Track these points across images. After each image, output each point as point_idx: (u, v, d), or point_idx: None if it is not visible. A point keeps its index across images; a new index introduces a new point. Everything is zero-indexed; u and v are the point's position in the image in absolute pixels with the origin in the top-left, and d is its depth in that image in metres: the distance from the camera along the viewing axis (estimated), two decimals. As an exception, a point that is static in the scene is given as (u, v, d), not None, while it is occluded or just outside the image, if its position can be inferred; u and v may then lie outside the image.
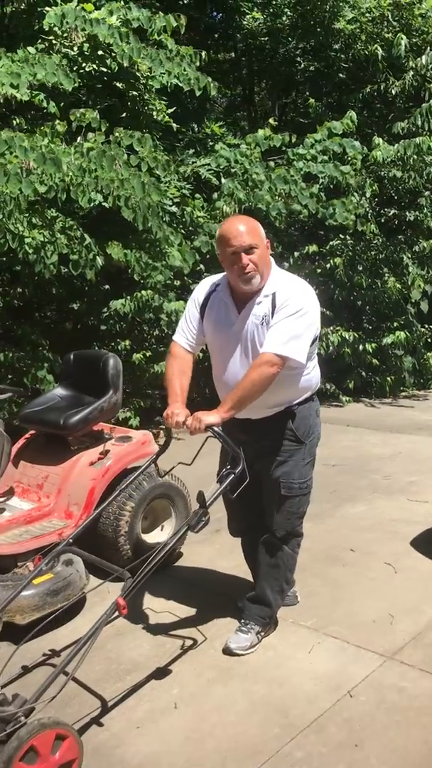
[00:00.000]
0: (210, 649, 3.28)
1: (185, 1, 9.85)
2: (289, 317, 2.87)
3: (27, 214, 5.60)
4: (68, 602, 3.42)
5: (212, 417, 2.83)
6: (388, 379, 9.55)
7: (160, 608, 3.67)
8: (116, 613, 2.60)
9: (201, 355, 3.52)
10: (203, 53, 6.63)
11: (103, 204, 5.95)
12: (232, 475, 2.86)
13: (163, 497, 4.09)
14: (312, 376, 3.11)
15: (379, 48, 8.87)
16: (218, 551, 4.26)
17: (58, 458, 4.03)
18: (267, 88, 13.19)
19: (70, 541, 2.97)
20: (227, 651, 3.21)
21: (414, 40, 9.29)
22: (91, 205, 6.14)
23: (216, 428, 2.90)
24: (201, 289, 3.17)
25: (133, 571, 2.71)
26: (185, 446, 3.11)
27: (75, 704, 2.91)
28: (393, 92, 9.18)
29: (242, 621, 3.30)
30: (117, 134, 5.74)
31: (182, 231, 7.11)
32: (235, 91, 14.34)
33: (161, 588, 3.84)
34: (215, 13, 11.21)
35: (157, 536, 4.11)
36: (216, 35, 11.21)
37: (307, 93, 10.41)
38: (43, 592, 3.34)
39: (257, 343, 2.94)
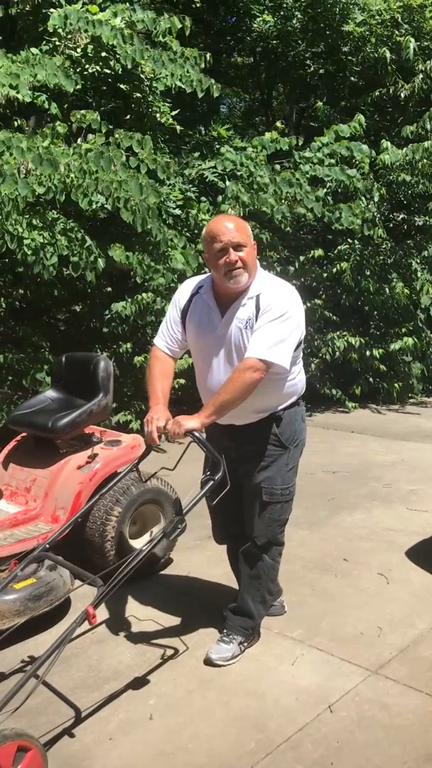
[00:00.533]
0: (191, 658, 3.21)
1: (197, 5, 9.83)
2: (273, 321, 2.80)
3: (27, 216, 5.58)
4: (51, 607, 3.36)
5: (192, 422, 2.76)
6: (396, 385, 9.44)
7: (144, 616, 3.61)
8: (86, 622, 2.52)
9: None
10: (208, 55, 6.58)
11: (106, 206, 5.92)
12: (212, 482, 2.80)
13: (152, 502, 4.03)
14: (297, 381, 3.04)
15: (387, 51, 8.77)
16: (208, 558, 4.19)
17: (46, 461, 3.99)
18: (285, 92, 13.17)
19: (47, 546, 2.92)
20: (208, 662, 3.14)
21: (425, 43, 9.19)
22: (94, 207, 6.12)
23: (197, 433, 2.84)
24: (183, 291, 3.10)
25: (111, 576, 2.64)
26: (170, 450, 3.05)
27: (49, 713, 2.85)
28: (402, 95, 9.08)
29: (224, 631, 3.23)
30: (117, 136, 5.70)
31: (186, 234, 7.07)
32: (254, 96, 14.34)
33: (147, 595, 3.79)
34: (229, 18, 11.20)
35: (146, 541, 4.04)
36: (229, 39, 11.19)
37: (317, 97, 10.33)
38: (24, 597, 3.28)
39: (241, 347, 2.87)
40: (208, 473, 2.84)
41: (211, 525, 3.41)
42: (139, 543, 4.01)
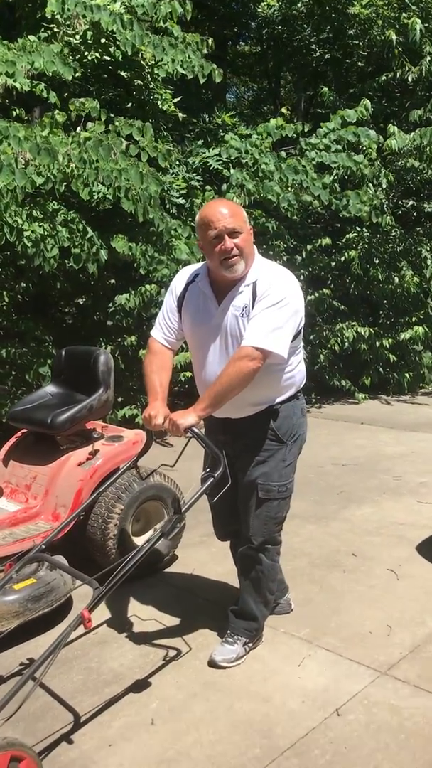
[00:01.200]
0: (195, 660, 3.12)
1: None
2: (270, 308, 2.68)
3: (27, 207, 5.48)
4: (51, 608, 3.28)
5: (189, 418, 2.66)
6: (406, 375, 9.30)
7: (147, 615, 3.52)
8: (81, 625, 2.43)
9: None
10: (210, 40, 6.43)
11: (108, 196, 5.80)
12: (212, 479, 2.69)
13: (155, 499, 3.94)
14: (296, 372, 2.92)
15: (393, 33, 8.57)
16: (213, 555, 4.09)
17: (46, 458, 3.90)
18: (292, 81, 13.01)
19: (43, 546, 2.84)
20: (212, 663, 3.05)
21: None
22: (96, 197, 6.02)
23: (196, 429, 2.74)
24: (179, 280, 3.00)
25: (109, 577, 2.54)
26: (176, 444, 2.95)
27: (48, 718, 2.77)
28: (410, 79, 8.88)
29: (228, 632, 3.13)
30: (117, 123, 5.58)
31: (191, 224, 6.95)
32: (261, 85, 14.18)
33: (150, 594, 3.70)
34: (234, 4, 11.04)
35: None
36: (234, 25, 11.04)
37: (324, 84, 10.16)
38: (23, 598, 3.19)
39: (237, 336, 2.76)
40: (208, 470, 2.73)
41: (212, 521, 3.31)
42: (142, 540, 3.92)
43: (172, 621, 3.46)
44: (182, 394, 6.89)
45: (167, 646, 3.23)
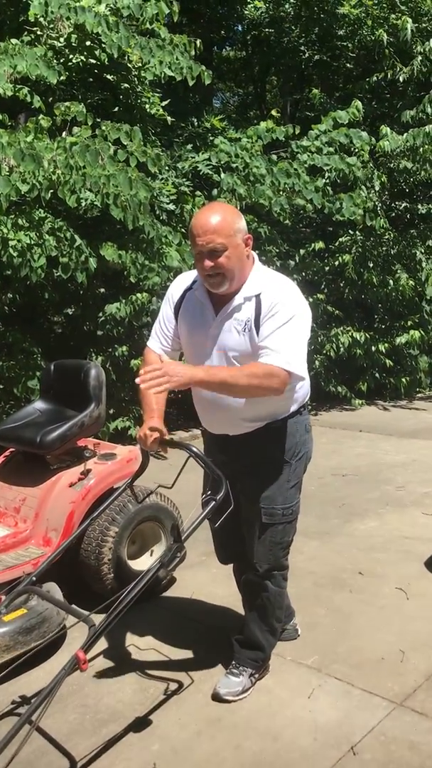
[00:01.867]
0: (198, 693, 2.93)
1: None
2: (286, 326, 2.47)
3: (12, 216, 5.30)
4: (44, 640, 3.07)
5: (181, 377, 2.31)
6: (403, 380, 9.16)
7: (145, 645, 3.32)
8: (77, 668, 2.23)
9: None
10: (198, 42, 6.27)
11: (96, 203, 5.62)
12: (213, 502, 2.51)
13: (151, 520, 3.75)
14: (300, 386, 2.73)
15: (384, 33, 8.44)
16: (213, 577, 3.90)
17: (36, 479, 3.70)
18: (278, 85, 12.89)
19: (33, 579, 2.64)
20: (216, 697, 2.85)
21: (423, 24, 8.87)
22: (83, 204, 5.84)
23: (195, 449, 2.56)
24: (176, 286, 2.80)
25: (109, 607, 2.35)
26: (168, 465, 2.75)
27: (42, 765, 2.57)
28: (401, 79, 8.75)
29: (233, 663, 2.94)
30: (104, 128, 5.40)
31: (181, 230, 6.78)
32: (247, 90, 14.06)
33: (148, 621, 3.51)
34: (220, 8, 10.89)
35: (147, 562, 3.77)
36: (220, 29, 10.90)
37: (311, 87, 10.03)
38: (14, 630, 2.99)
39: (238, 351, 2.56)
40: (209, 493, 2.55)
41: (214, 545, 3.12)
42: (139, 563, 3.74)
43: (172, 650, 3.27)
44: (180, 401, 6.71)
45: (168, 679, 3.04)
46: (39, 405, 4.02)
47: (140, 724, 2.76)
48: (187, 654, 3.23)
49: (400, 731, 2.63)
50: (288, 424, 2.72)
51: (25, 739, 2.26)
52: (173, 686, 2.98)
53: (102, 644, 3.30)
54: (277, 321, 2.48)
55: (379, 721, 2.70)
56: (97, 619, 2.39)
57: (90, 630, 2.31)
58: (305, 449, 2.80)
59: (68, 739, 2.69)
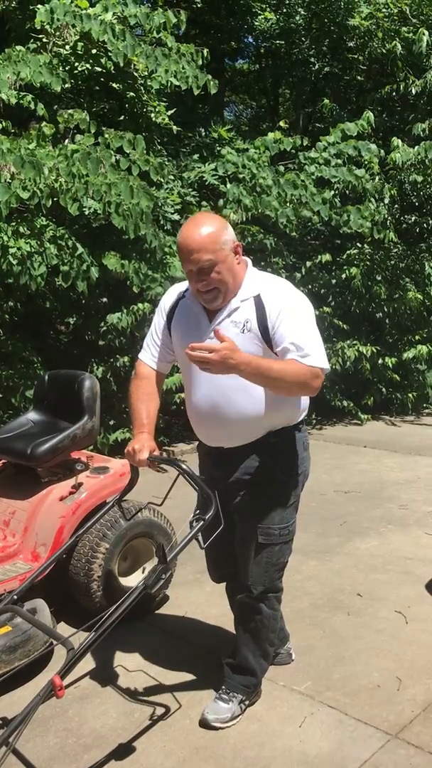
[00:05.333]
0: (185, 719, 2.81)
1: (198, 4, 9.49)
2: (303, 325, 2.43)
3: (13, 223, 5.24)
4: (29, 659, 2.97)
5: (237, 361, 2.21)
6: (410, 395, 9.03)
7: (134, 665, 3.22)
8: (53, 695, 2.13)
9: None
10: (205, 51, 6.21)
11: (98, 212, 5.56)
12: (202, 522, 2.41)
13: (143, 536, 3.64)
14: (299, 399, 2.63)
15: (398, 45, 8.36)
16: (208, 596, 3.79)
17: (26, 492, 3.61)
18: (291, 98, 12.87)
19: (14, 597, 2.54)
20: (204, 723, 2.74)
21: (435, 38, 8.79)
22: (87, 213, 5.78)
23: (185, 466, 2.46)
24: (168, 296, 2.74)
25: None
26: (168, 478, 2.65)
27: (18, 792, 2.47)
28: (413, 92, 8.67)
29: (223, 688, 2.83)
30: (106, 136, 5.34)
31: (186, 240, 6.69)
32: (260, 102, 14.06)
33: (138, 640, 3.40)
34: (232, 20, 10.88)
35: (138, 579, 3.65)
36: (231, 41, 10.87)
37: (324, 96, 9.98)
38: (-3, 649, 2.90)
39: None
40: (198, 512, 2.45)
41: (206, 564, 3.01)
42: (130, 580, 3.63)
43: (161, 672, 3.16)
44: (182, 413, 6.61)
45: (155, 703, 2.93)
46: (32, 416, 3.93)
47: (123, 750, 2.65)
48: (176, 676, 3.12)
49: (395, 765, 2.51)
50: (286, 440, 2.63)
51: (2, 758, 2.17)
52: (160, 710, 2.88)
53: (89, 663, 3.19)
54: (294, 322, 2.42)
55: (372, 753, 2.58)
56: (83, 638, 2.30)
57: (68, 654, 2.21)
58: (303, 467, 2.70)
59: (47, 765, 2.59)
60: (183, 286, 2.73)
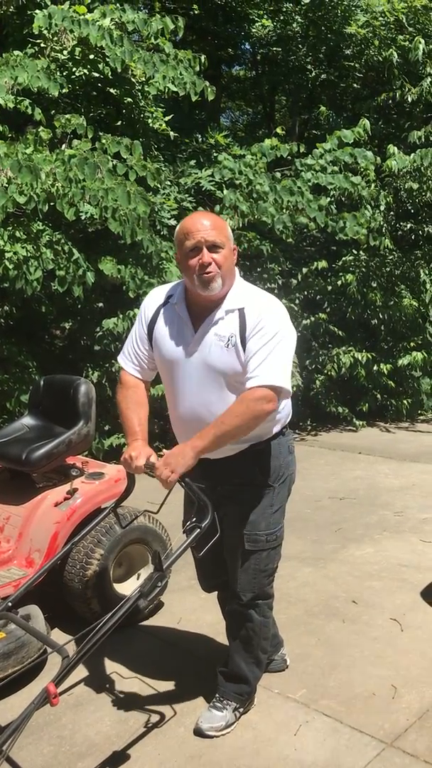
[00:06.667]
0: (179, 727, 2.80)
1: (195, 12, 9.53)
2: (270, 342, 2.39)
3: (10, 228, 5.23)
4: (23, 666, 2.96)
5: (185, 460, 2.35)
6: (405, 402, 9.04)
7: (128, 673, 3.20)
8: (47, 702, 2.12)
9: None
10: (203, 57, 6.22)
11: (95, 217, 5.56)
12: (198, 530, 2.40)
13: (138, 542, 3.63)
14: (282, 406, 2.61)
15: (395, 53, 8.40)
16: (202, 602, 3.77)
17: (21, 497, 3.60)
18: (287, 104, 12.91)
19: (9, 604, 2.53)
20: (198, 732, 2.73)
21: (431, 47, 8.84)
22: (84, 218, 5.78)
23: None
24: (150, 301, 2.67)
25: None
26: (154, 486, 2.63)
27: (11, 800, 2.45)
28: (409, 100, 8.71)
29: (217, 696, 2.82)
30: (103, 141, 5.34)
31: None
32: (257, 109, 14.10)
33: (132, 647, 3.39)
34: (229, 27, 10.91)
35: (133, 585, 3.64)
36: (228, 48, 10.90)
37: (321, 103, 10.01)
38: (-9, 656, 2.89)
39: (220, 368, 2.45)
40: (194, 519, 2.44)
41: (197, 574, 3.00)
42: (125, 587, 3.62)
43: (156, 679, 3.14)
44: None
45: (149, 710, 2.92)
46: (27, 421, 3.92)
47: (117, 758, 2.64)
48: (170, 684, 3.11)
49: (390, 775, 2.51)
50: (271, 446, 2.62)
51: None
52: (154, 718, 2.86)
53: (83, 671, 3.18)
54: (262, 338, 2.40)
55: (368, 762, 2.57)
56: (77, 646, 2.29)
57: (63, 661, 2.20)
58: (288, 472, 2.70)
59: (41, 773, 2.57)
60: (164, 290, 2.68)
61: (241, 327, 2.42)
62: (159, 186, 6.20)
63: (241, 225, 6.81)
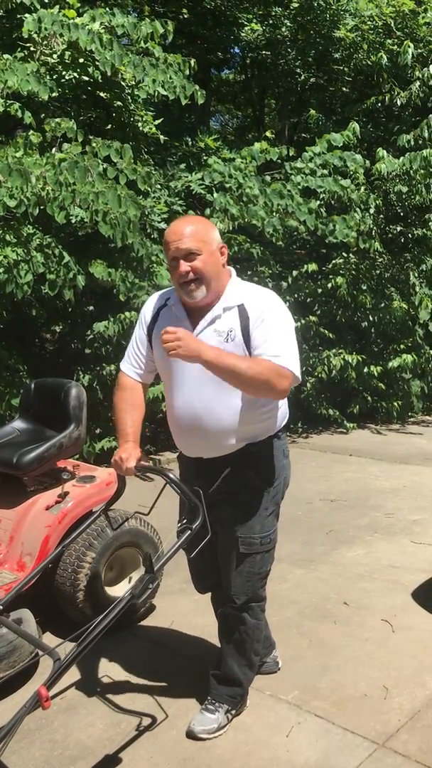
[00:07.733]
0: (171, 730, 2.80)
1: (184, 15, 9.56)
2: (280, 331, 2.45)
3: (1, 231, 5.22)
4: (14, 670, 2.95)
5: (194, 350, 2.29)
6: (396, 404, 9.08)
7: (119, 675, 3.20)
8: (39, 706, 2.12)
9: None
10: (193, 61, 6.24)
11: (85, 220, 5.56)
12: (189, 531, 2.40)
13: (130, 545, 3.63)
14: (279, 408, 2.64)
15: (384, 56, 8.45)
16: (195, 605, 3.77)
17: (12, 501, 3.58)
18: (277, 108, 12.97)
19: (0, 608, 2.52)
20: (191, 734, 2.73)
21: (419, 50, 8.90)
22: (74, 221, 5.77)
23: (172, 475, 2.46)
24: (149, 305, 2.71)
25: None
26: (153, 486, 2.64)
27: (3, 805, 2.44)
28: (398, 103, 8.77)
29: (209, 699, 2.82)
30: (94, 144, 5.35)
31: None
32: (246, 113, 14.15)
33: (124, 650, 3.38)
34: (218, 31, 10.95)
35: (125, 588, 3.64)
36: (217, 51, 10.94)
37: (310, 106, 10.05)
38: (-18, 660, 2.88)
39: None
40: (185, 521, 2.44)
41: (190, 575, 3.01)
42: (117, 590, 3.62)
43: (148, 682, 3.14)
44: (166, 422, 6.61)
45: (141, 713, 2.92)
46: (18, 424, 3.91)
47: (110, 761, 2.63)
48: (162, 687, 3.10)
49: (382, 775, 2.51)
50: (266, 448, 2.63)
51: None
52: (146, 721, 2.86)
53: (74, 674, 3.17)
54: (271, 326, 2.44)
55: (359, 762, 2.58)
56: (69, 649, 2.28)
57: (54, 664, 2.20)
58: (283, 475, 2.70)
59: (33, 778, 2.57)
60: (163, 294, 2.72)
61: (243, 321, 2.45)
62: (149, 189, 6.21)
63: (231, 228, 6.83)
